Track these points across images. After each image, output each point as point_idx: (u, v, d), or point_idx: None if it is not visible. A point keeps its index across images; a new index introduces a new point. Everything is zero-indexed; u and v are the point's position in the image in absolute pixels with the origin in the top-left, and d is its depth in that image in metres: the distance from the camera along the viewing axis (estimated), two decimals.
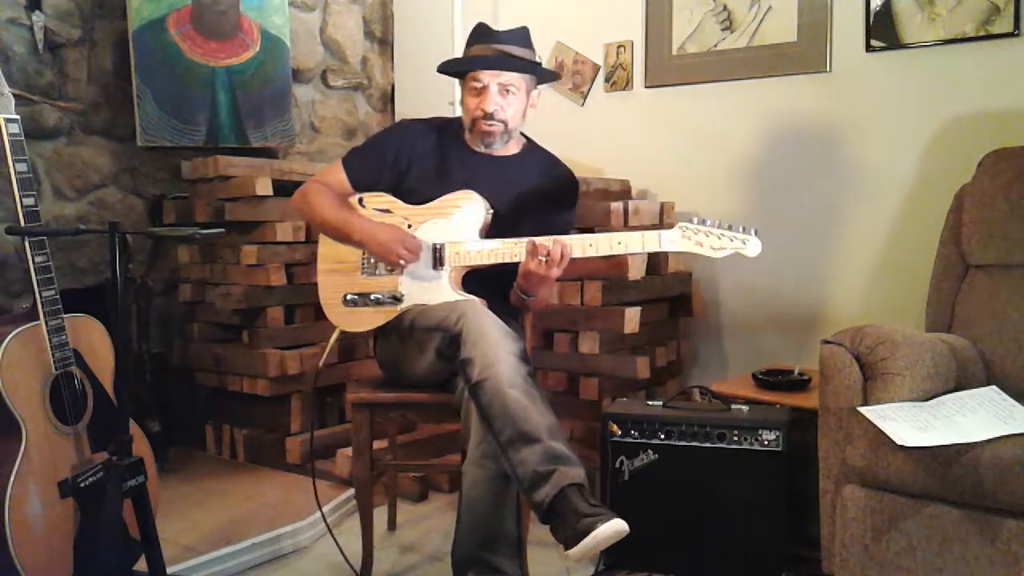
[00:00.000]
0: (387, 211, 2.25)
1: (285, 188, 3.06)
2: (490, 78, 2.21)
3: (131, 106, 3.16)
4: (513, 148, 2.35)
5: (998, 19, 2.64)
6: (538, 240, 2.08)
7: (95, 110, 3.16)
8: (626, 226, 2.80)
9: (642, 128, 3.36)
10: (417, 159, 2.29)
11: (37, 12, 2.95)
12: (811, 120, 3.01)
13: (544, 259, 2.06)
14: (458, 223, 2.21)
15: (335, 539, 2.31)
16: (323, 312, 2.29)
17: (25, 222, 1.90)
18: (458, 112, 3.35)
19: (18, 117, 1.93)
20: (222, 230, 2.01)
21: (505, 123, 2.24)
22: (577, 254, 2.09)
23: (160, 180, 3.34)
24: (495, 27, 2.28)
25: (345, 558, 2.27)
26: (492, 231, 2.22)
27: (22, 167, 1.92)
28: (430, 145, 2.31)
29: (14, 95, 1.96)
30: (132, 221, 3.25)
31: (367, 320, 2.23)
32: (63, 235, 2.66)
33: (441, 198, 2.23)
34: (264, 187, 3.01)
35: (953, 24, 2.72)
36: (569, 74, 3.51)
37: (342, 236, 2.22)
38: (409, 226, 2.23)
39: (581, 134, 3.48)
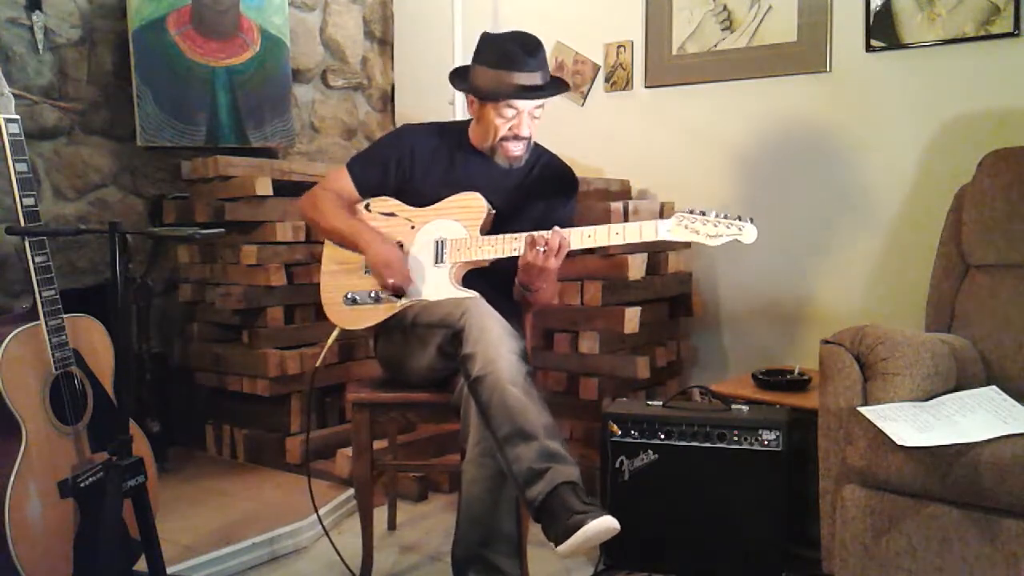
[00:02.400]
0: (392, 214, 2.28)
1: (285, 188, 3.06)
2: (527, 105, 2.19)
3: (131, 106, 3.16)
4: None
5: (998, 19, 2.64)
6: (536, 233, 2.09)
7: (95, 110, 3.16)
8: None
9: (642, 128, 3.36)
10: (420, 163, 2.31)
11: (37, 12, 2.95)
12: (811, 120, 3.01)
13: (543, 249, 2.06)
14: (460, 221, 2.21)
15: (332, 543, 2.30)
16: (323, 312, 2.30)
17: (25, 222, 1.91)
18: (458, 111, 3.34)
19: (18, 117, 1.94)
20: (222, 230, 2.01)
21: (528, 142, 2.25)
22: (576, 245, 2.09)
23: (160, 180, 3.34)
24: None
25: (343, 560, 2.26)
26: (494, 230, 2.23)
27: (22, 167, 1.92)
28: (432, 148, 2.33)
29: (14, 95, 1.97)
30: (132, 221, 3.24)
31: (368, 317, 2.23)
32: (63, 235, 2.66)
33: (445, 200, 2.24)
34: (264, 187, 3.01)
35: (953, 24, 2.72)
36: (569, 74, 3.51)
37: (349, 244, 2.26)
38: (412, 227, 2.25)
39: (581, 134, 3.47)
